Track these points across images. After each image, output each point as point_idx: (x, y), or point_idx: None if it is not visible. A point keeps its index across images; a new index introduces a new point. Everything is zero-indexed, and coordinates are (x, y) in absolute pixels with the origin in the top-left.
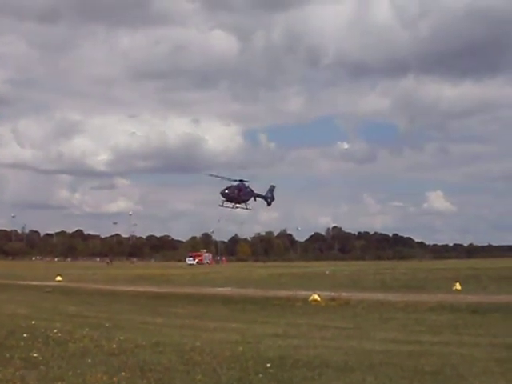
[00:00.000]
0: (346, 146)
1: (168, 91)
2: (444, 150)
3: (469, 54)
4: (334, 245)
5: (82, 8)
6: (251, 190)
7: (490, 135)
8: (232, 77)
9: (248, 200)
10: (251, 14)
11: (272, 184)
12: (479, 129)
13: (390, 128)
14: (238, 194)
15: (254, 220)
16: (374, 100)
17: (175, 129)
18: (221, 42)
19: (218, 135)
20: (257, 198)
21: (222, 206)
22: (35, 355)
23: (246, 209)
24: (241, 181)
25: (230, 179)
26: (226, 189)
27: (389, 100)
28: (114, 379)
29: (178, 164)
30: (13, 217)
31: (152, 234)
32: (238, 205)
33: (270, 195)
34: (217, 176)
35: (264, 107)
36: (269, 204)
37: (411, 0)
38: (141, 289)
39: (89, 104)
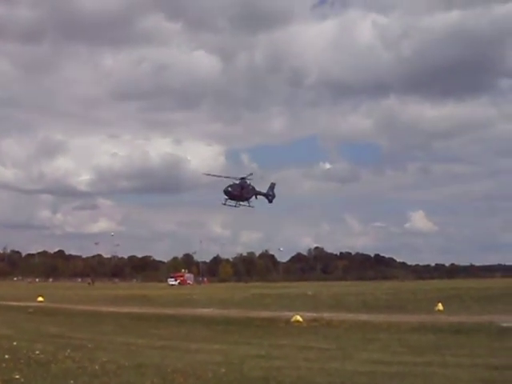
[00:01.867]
0: (328, 166)
1: (150, 111)
2: (426, 170)
3: (451, 74)
4: (316, 265)
5: (65, 28)
6: (253, 188)
7: (472, 155)
8: (215, 97)
9: (250, 198)
10: (234, 34)
11: (272, 181)
12: (461, 149)
13: (372, 148)
14: (240, 192)
15: (236, 240)
16: (357, 120)
17: (157, 149)
18: (203, 62)
19: (200, 155)
20: (258, 196)
21: (224, 204)
22: (17, 376)
23: (249, 206)
24: (242, 179)
25: (228, 177)
26: (229, 187)
27: (371, 120)
28: None
29: (160, 184)
30: None
31: (134, 254)
32: (241, 202)
33: (271, 193)
34: (214, 175)
35: (246, 127)
36: (270, 201)
37: (393, 21)
38: (123, 309)
39: (71, 124)
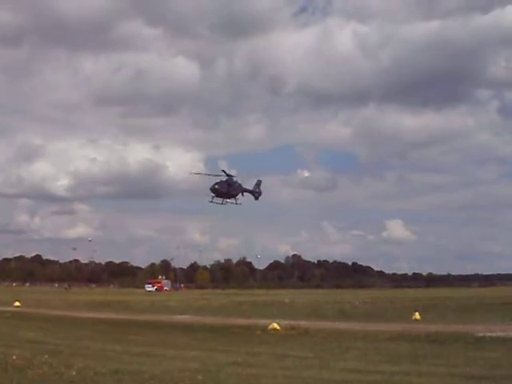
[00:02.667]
0: (306, 173)
1: (129, 117)
2: (404, 179)
3: (430, 84)
4: (294, 273)
5: (44, 32)
6: (240, 185)
7: (449, 165)
8: (194, 103)
9: (237, 195)
10: (214, 41)
11: (259, 179)
12: (439, 158)
13: (350, 156)
14: (227, 189)
15: (214, 247)
16: (336, 128)
17: (136, 155)
18: (183, 68)
19: (179, 162)
20: (244, 193)
21: (211, 201)
22: None
23: (236, 203)
24: (229, 176)
25: (216, 175)
26: (216, 184)
27: (350, 129)
28: None
29: (138, 190)
30: None
31: (111, 260)
32: (227, 200)
33: (257, 190)
34: (202, 174)
35: (226, 134)
36: (256, 198)
37: (373, 30)
38: (100, 315)
39: (50, 128)
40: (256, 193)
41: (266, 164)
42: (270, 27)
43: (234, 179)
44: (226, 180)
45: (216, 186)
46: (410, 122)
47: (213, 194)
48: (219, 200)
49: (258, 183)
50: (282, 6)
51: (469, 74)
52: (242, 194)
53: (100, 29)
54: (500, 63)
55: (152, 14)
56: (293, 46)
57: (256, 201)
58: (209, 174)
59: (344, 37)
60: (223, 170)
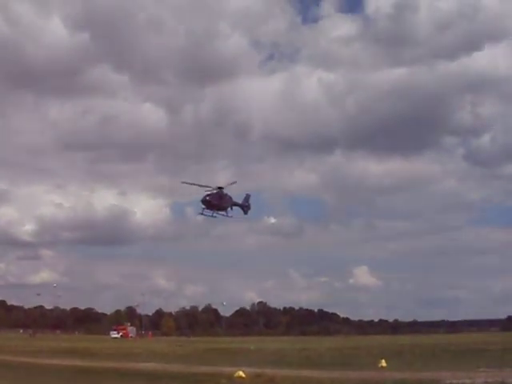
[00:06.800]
0: (273, 220)
1: (96, 162)
2: (371, 226)
3: (395, 131)
4: (259, 320)
5: (12, 77)
6: (230, 198)
7: (416, 212)
8: (161, 149)
9: (228, 207)
10: (181, 87)
11: (247, 193)
12: (406, 205)
13: (317, 203)
14: (219, 201)
15: (180, 294)
16: (302, 175)
17: (102, 201)
18: (150, 114)
19: (145, 208)
20: (233, 207)
21: (201, 213)
22: None
23: (227, 216)
24: (220, 188)
25: (205, 186)
26: (208, 195)
27: (316, 176)
28: None
29: (104, 236)
30: None
31: (76, 306)
32: (219, 212)
33: (246, 204)
34: (191, 183)
35: (192, 180)
36: (245, 213)
37: (339, 77)
38: (65, 362)
39: (16, 173)
40: (245, 207)
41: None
42: (238, 74)
43: (225, 191)
44: (218, 192)
45: (207, 198)
46: (376, 168)
47: (203, 206)
48: (209, 212)
49: (247, 197)
50: (249, 53)
51: (435, 121)
52: (231, 208)
53: (67, 74)
54: (466, 110)
55: (119, 60)
56: (260, 93)
57: (247, 210)
58: (198, 185)
59: (310, 84)
60: (219, 187)
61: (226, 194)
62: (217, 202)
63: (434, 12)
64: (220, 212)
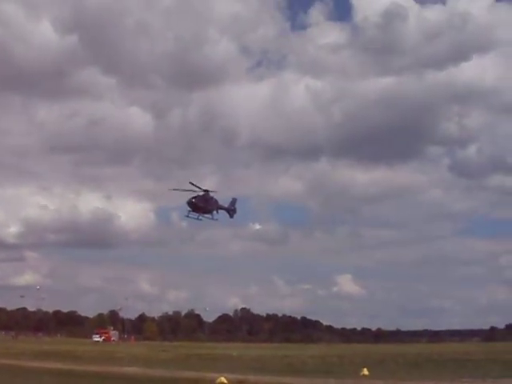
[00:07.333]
0: (257, 226)
1: (82, 165)
2: (355, 234)
3: (381, 139)
4: (242, 326)
5: None
6: (216, 201)
7: (400, 221)
8: (147, 153)
9: (213, 210)
10: (169, 91)
11: (234, 197)
12: (390, 214)
13: (302, 210)
14: (204, 204)
15: (163, 299)
16: (287, 182)
17: (87, 203)
18: (137, 118)
19: (130, 212)
20: (219, 211)
21: (187, 216)
22: None
23: (212, 219)
24: (206, 191)
25: (194, 191)
26: (193, 198)
27: (302, 183)
28: None
29: (88, 239)
30: None
31: (59, 308)
32: (205, 215)
33: (232, 207)
34: (182, 190)
35: (177, 185)
36: (231, 216)
37: (326, 85)
38: (46, 365)
39: (1, 175)
40: (231, 210)
41: (217, 215)
42: (225, 79)
43: (211, 194)
44: (203, 195)
45: (193, 200)
46: (361, 176)
47: (189, 209)
48: (195, 215)
49: (233, 201)
50: (237, 59)
51: (421, 131)
52: (217, 212)
53: (55, 76)
54: (452, 120)
55: (108, 62)
56: (247, 99)
57: (233, 214)
58: (186, 190)
59: (297, 91)
60: (191, 183)
61: (212, 197)
62: (202, 204)
63: (422, 22)
64: (206, 215)
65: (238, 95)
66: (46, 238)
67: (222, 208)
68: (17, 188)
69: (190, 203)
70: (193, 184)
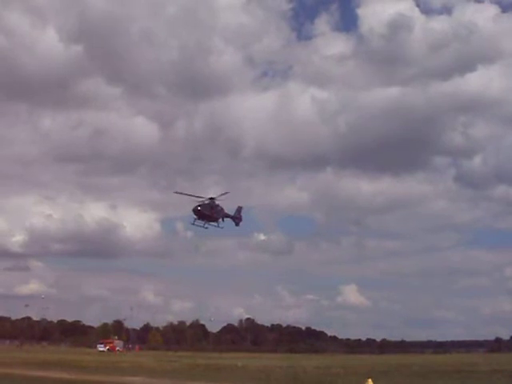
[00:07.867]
0: (262, 237)
1: (87, 175)
2: (360, 245)
3: (386, 150)
4: (247, 336)
5: (4, 86)
6: (222, 209)
7: (405, 231)
8: (152, 163)
9: (219, 218)
10: (174, 102)
11: (239, 205)
12: (396, 225)
13: (307, 221)
14: (211, 212)
15: (168, 309)
16: (293, 193)
17: (92, 213)
18: (142, 128)
19: (135, 222)
20: (225, 219)
21: (193, 223)
22: None
23: (218, 227)
24: (211, 199)
25: (197, 197)
26: (200, 206)
27: (307, 193)
28: None
29: (93, 249)
30: None
31: (64, 318)
32: (211, 223)
33: (238, 216)
34: (184, 194)
35: (182, 195)
36: (237, 224)
37: (332, 95)
38: (50, 374)
39: (6, 184)
40: (237, 218)
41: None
42: (231, 90)
43: (217, 202)
44: (209, 203)
45: (199, 208)
46: (367, 187)
47: (195, 216)
48: (201, 223)
49: (239, 209)
50: (243, 70)
51: (427, 141)
52: (223, 220)
53: (60, 86)
54: (458, 131)
55: (113, 72)
56: (252, 110)
57: (238, 222)
58: (191, 195)
59: (303, 102)
60: (211, 198)
61: (218, 205)
62: (208, 212)
63: (428, 32)
64: (211, 223)
65: (244, 105)
66: (51, 248)
67: (227, 216)
68: (22, 197)
69: (195, 211)
70: (213, 198)
